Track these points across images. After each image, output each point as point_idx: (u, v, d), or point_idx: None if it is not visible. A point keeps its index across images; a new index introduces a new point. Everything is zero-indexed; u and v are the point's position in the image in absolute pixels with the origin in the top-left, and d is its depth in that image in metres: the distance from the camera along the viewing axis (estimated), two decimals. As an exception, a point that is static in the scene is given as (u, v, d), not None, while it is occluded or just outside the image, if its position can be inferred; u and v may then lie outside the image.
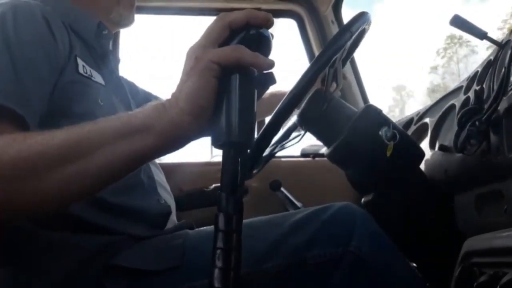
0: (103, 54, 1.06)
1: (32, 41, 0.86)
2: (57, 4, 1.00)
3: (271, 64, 0.59)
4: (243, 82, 0.59)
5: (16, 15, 0.86)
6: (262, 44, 0.61)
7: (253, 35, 0.60)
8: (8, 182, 0.63)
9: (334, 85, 1.01)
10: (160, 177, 1.10)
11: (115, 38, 1.76)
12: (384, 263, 0.87)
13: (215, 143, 0.58)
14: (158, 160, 1.21)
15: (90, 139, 0.64)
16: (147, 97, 1.33)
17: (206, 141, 0.65)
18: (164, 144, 0.63)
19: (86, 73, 0.96)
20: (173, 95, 0.63)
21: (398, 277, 0.87)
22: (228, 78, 0.59)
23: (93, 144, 0.63)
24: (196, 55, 0.60)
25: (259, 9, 2.09)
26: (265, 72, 0.61)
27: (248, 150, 0.60)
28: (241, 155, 0.58)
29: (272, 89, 1.48)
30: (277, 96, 1.45)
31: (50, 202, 0.65)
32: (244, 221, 1.05)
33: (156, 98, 1.35)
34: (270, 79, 0.62)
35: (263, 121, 1.79)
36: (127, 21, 1.16)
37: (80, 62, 0.95)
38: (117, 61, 1.16)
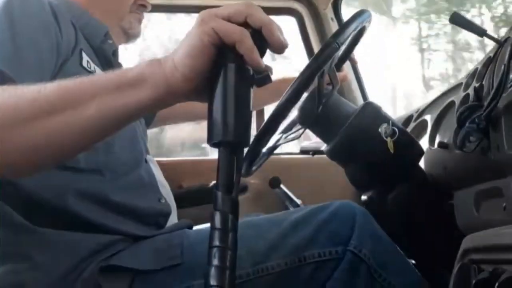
0: (107, 58, 1.06)
1: (36, 25, 0.86)
2: (70, 6, 1.00)
3: (261, 65, 0.59)
4: (240, 77, 0.59)
5: (24, 1, 0.87)
6: (263, 49, 0.61)
7: (262, 36, 0.60)
8: (7, 125, 0.61)
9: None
10: (159, 175, 1.10)
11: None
12: (383, 263, 0.87)
13: (210, 142, 0.58)
14: (156, 158, 1.21)
15: (81, 90, 0.63)
16: None
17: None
18: (156, 99, 0.62)
19: (90, 68, 0.97)
20: (171, 52, 0.63)
21: (397, 277, 0.87)
22: (223, 65, 0.59)
23: (85, 94, 0.62)
24: (202, 18, 0.60)
25: (258, 6, 2.08)
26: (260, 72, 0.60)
27: (244, 149, 0.60)
28: (237, 154, 0.58)
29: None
30: (286, 82, 1.43)
31: (39, 153, 0.64)
32: (243, 220, 1.06)
33: None
34: (266, 79, 0.61)
35: (262, 110, 1.79)
36: (135, 32, 1.16)
37: (85, 56, 0.96)
38: (119, 66, 1.17)
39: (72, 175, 0.89)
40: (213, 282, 0.51)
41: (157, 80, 0.61)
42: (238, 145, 0.58)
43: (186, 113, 1.47)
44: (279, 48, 0.61)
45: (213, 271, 0.52)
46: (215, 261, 0.52)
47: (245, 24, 0.59)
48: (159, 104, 0.64)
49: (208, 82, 0.60)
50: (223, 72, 0.59)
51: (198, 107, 1.42)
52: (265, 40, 0.60)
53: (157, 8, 1.89)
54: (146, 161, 1.05)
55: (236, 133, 0.57)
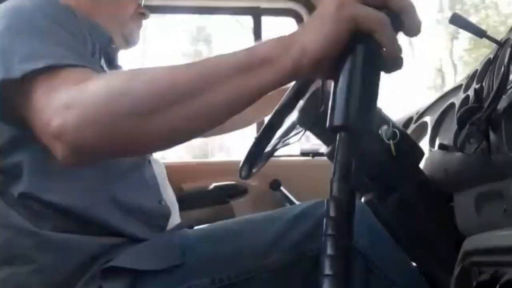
0: (111, 62, 1.08)
1: (62, 22, 0.88)
2: (76, 13, 1.01)
3: (400, 54, 0.58)
4: (370, 62, 0.56)
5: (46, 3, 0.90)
6: (397, 31, 0.59)
7: (398, 19, 0.58)
8: (141, 116, 0.63)
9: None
10: (162, 176, 1.10)
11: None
12: (381, 256, 0.88)
13: (331, 125, 0.55)
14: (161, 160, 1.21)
15: (214, 72, 0.63)
16: None
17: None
18: (279, 81, 0.61)
19: (104, 69, 1.00)
20: (298, 33, 0.61)
21: (395, 271, 0.88)
22: (354, 49, 0.56)
23: (219, 76, 0.63)
24: (341, 1, 0.57)
25: (258, 8, 2.10)
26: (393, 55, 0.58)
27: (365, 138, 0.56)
28: (358, 142, 0.54)
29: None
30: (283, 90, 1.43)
31: (178, 136, 0.66)
32: (243, 217, 1.06)
33: None
34: (398, 63, 0.59)
35: (263, 121, 1.79)
36: (135, 38, 1.18)
37: (102, 59, 0.99)
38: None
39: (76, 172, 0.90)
40: (327, 271, 0.49)
41: (284, 63, 0.60)
42: (359, 132, 0.54)
43: None
44: (416, 32, 0.59)
45: (326, 260, 0.50)
46: (329, 250, 0.50)
47: (382, 7, 0.57)
48: (279, 86, 0.64)
49: (335, 62, 0.58)
50: (353, 56, 0.56)
51: None
52: (401, 23, 0.58)
53: (156, 10, 1.90)
54: (149, 161, 1.06)
55: (359, 119, 0.54)
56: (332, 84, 0.57)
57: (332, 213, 0.51)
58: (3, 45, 0.81)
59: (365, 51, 0.56)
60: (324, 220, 0.52)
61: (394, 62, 0.59)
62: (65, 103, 0.68)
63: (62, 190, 0.88)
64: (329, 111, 0.55)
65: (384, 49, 0.57)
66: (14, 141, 0.88)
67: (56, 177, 0.88)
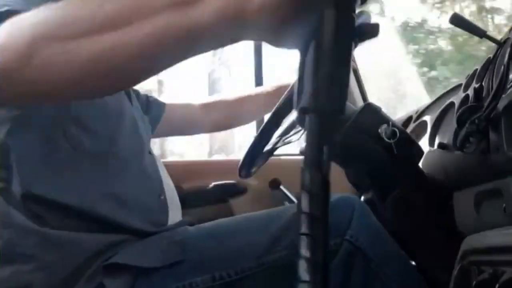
0: None
1: None
2: None
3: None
4: (342, 28, 0.46)
5: None
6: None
7: None
8: (62, 40, 0.57)
9: None
10: (163, 173, 1.11)
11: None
12: (380, 254, 0.88)
13: (297, 107, 0.48)
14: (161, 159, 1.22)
15: (138, 7, 0.55)
16: (147, 99, 1.33)
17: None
18: (213, 23, 0.50)
19: None
20: None
21: (393, 268, 0.88)
22: (322, 9, 0.45)
23: (140, 12, 0.55)
24: None
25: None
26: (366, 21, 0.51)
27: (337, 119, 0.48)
28: (329, 124, 0.46)
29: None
30: (282, 89, 1.40)
31: (96, 69, 0.58)
32: (244, 215, 1.06)
33: (154, 100, 1.35)
34: (373, 30, 0.50)
35: (262, 119, 1.79)
36: None
37: None
38: None
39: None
40: (304, 277, 0.45)
41: (225, 5, 0.49)
42: (330, 114, 0.47)
43: (190, 127, 1.47)
44: None
45: (302, 263, 0.46)
46: (303, 251, 0.46)
47: None
48: (212, 32, 0.52)
49: (297, 27, 0.48)
50: (321, 18, 0.46)
51: (201, 121, 1.43)
52: None
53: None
54: (150, 152, 1.06)
55: (330, 99, 0.46)
56: (298, 56, 0.49)
57: (305, 208, 0.45)
58: None
59: (337, 15, 0.46)
60: (297, 216, 0.46)
61: (368, 27, 0.51)
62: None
63: (62, 187, 0.88)
64: (295, 90, 0.49)
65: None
66: (14, 140, 0.88)
67: (56, 174, 0.89)
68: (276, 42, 0.52)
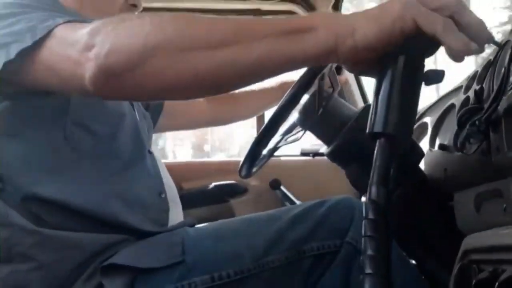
0: None
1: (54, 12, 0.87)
2: (63, 8, 1.01)
3: (462, 59, 0.57)
4: (413, 70, 0.57)
5: None
6: None
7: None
8: (177, 52, 0.63)
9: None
10: (164, 172, 1.11)
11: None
12: None
13: (370, 131, 0.57)
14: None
15: (254, 29, 0.63)
16: None
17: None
18: (316, 53, 0.60)
19: None
20: (354, 16, 0.61)
21: (394, 269, 0.88)
22: (399, 54, 0.56)
23: (256, 34, 0.62)
24: (407, 2, 0.57)
25: (258, 10, 2.10)
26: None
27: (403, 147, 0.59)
28: (395, 149, 0.56)
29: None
30: (286, 85, 1.41)
31: (199, 81, 0.65)
32: (244, 216, 1.06)
33: None
34: (439, 77, 0.60)
35: (263, 115, 1.80)
36: None
37: None
38: None
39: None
40: (368, 270, 0.51)
41: (327, 36, 0.59)
42: (397, 141, 0.57)
43: (188, 121, 1.48)
44: (478, 53, 0.59)
45: (367, 260, 0.52)
46: (369, 251, 0.52)
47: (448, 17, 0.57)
48: (317, 60, 0.63)
49: (377, 65, 0.59)
50: (400, 61, 0.57)
51: (200, 115, 1.44)
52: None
53: (155, 11, 1.90)
54: (150, 152, 1.06)
55: (399, 128, 0.56)
56: (374, 86, 0.58)
57: (370, 215, 0.53)
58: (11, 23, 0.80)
59: (411, 59, 0.57)
60: (363, 222, 0.53)
61: (436, 73, 0.59)
62: (96, 28, 0.68)
63: (64, 188, 0.88)
64: (370, 116, 0.57)
65: (449, 49, 0.56)
66: (15, 138, 0.88)
67: (57, 175, 0.89)
68: (355, 71, 0.63)
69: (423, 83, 0.59)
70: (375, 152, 0.56)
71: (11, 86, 0.83)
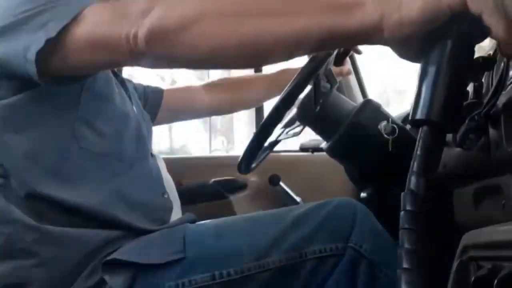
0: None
1: None
2: None
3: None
4: (462, 55, 0.54)
5: None
6: None
7: None
8: (227, 16, 0.66)
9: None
10: (164, 171, 1.11)
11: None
12: (384, 259, 0.88)
13: (413, 118, 0.54)
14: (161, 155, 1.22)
15: (303, 1, 0.64)
16: (145, 90, 1.34)
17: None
18: (363, 31, 0.58)
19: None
20: None
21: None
22: (447, 36, 0.53)
23: (305, 5, 0.63)
24: None
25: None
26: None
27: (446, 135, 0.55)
28: (439, 138, 0.53)
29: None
30: (286, 73, 1.40)
31: (249, 49, 0.66)
32: (245, 215, 1.06)
33: (152, 88, 1.36)
34: (492, 63, 0.58)
35: (262, 106, 1.79)
36: None
37: None
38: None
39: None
40: (405, 265, 0.49)
41: (375, 10, 0.57)
42: (442, 128, 0.53)
43: (191, 110, 1.47)
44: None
45: (404, 254, 0.49)
46: (406, 244, 0.50)
47: None
48: (361, 39, 0.61)
49: (422, 46, 0.56)
50: (445, 44, 0.54)
51: (202, 104, 1.43)
52: None
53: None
54: (152, 155, 1.06)
55: (443, 115, 0.52)
56: (419, 71, 0.55)
57: (408, 206, 0.50)
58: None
59: (459, 42, 0.53)
60: (401, 213, 0.51)
61: (486, 61, 0.58)
62: None
63: (68, 186, 0.89)
64: (412, 103, 0.54)
65: (492, 34, 0.53)
66: (22, 134, 0.88)
67: (62, 173, 0.89)
68: (401, 53, 0.60)
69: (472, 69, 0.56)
70: (417, 140, 0.52)
71: (50, 67, 0.81)
